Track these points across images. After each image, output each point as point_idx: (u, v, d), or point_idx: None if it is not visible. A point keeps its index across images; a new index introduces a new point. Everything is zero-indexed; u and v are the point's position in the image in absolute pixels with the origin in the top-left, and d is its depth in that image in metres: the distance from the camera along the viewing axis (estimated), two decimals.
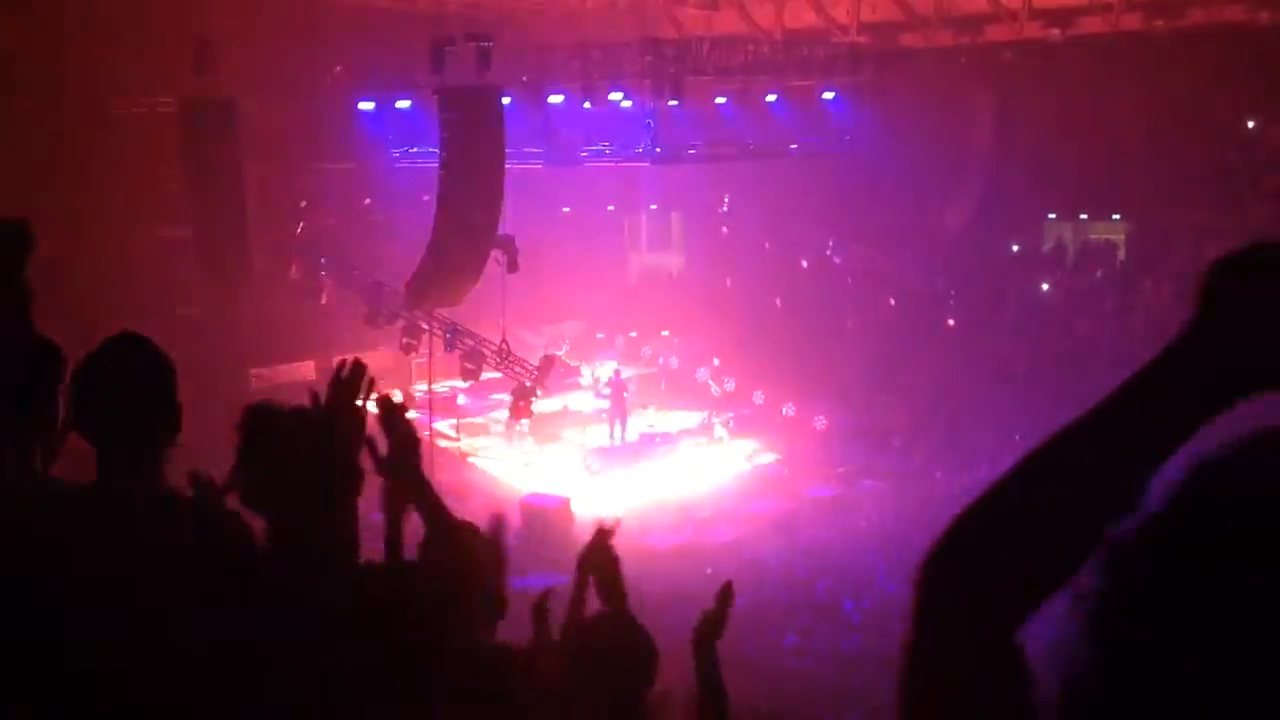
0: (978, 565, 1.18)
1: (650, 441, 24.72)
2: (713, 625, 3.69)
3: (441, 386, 24.60)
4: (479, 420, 26.04)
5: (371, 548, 3.03)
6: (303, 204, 27.06)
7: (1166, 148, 28.75)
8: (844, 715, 13.93)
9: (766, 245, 33.32)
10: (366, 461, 2.96)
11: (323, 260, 26.13)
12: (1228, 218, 26.48)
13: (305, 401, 2.94)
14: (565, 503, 21.02)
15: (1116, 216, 28.79)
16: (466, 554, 3.81)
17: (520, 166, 24.18)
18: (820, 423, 25.58)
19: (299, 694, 2.62)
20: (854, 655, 15.68)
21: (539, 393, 23.18)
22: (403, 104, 26.92)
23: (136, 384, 2.85)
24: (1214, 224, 26.60)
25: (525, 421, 23.66)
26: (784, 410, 26.48)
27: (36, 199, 20.59)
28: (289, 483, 2.78)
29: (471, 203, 21.37)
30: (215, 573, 2.73)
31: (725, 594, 3.80)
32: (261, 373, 24.92)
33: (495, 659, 3.56)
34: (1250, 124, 28.32)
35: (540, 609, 3.99)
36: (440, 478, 21.37)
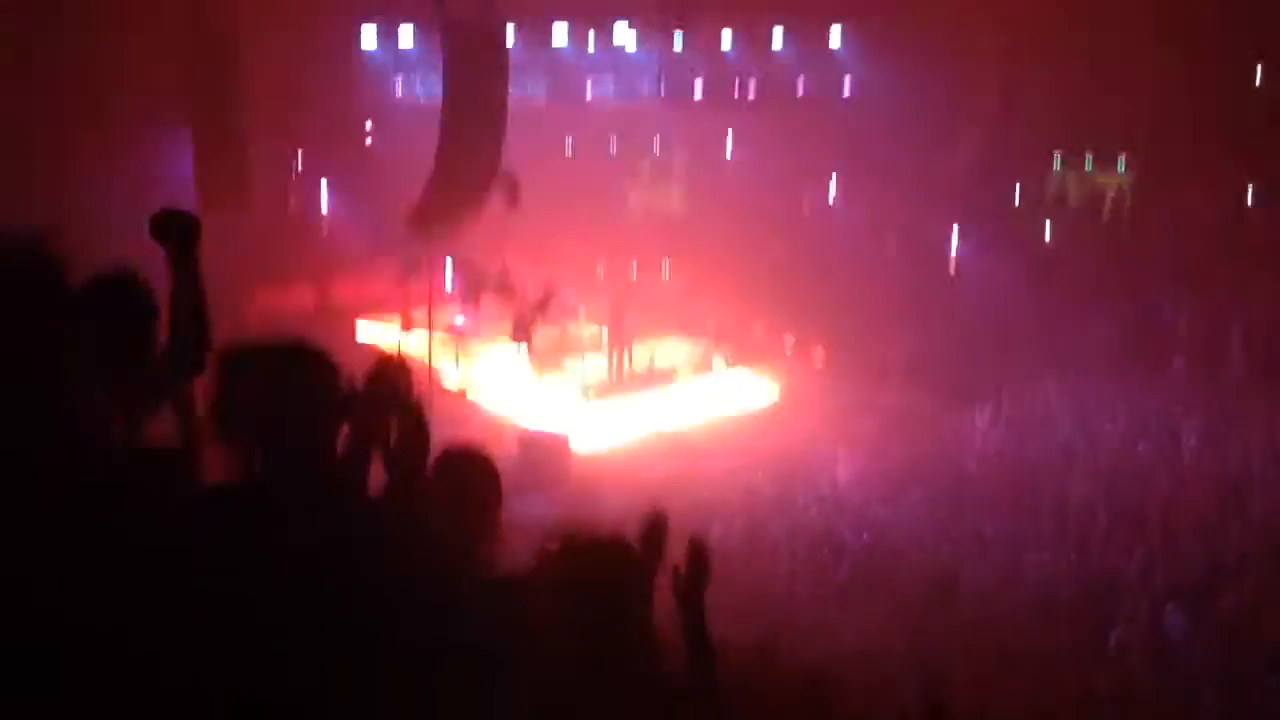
0: None
1: (648, 374, 24.77)
2: (691, 583, 3.54)
3: (440, 316, 24.59)
4: (477, 349, 26.03)
5: None
6: (304, 135, 26.94)
7: (1174, 93, 28.60)
8: (834, 646, 14.04)
9: (769, 185, 33.17)
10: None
11: (323, 193, 26.07)
12: (1234, 163, 26.42)
13: (345, 387, 2.89)
14: (563, 435, 21.11)
15: (1122, 161, 28.63)
16: (465, 480, 3.81)
17: (523, 101, 24.04)
18: (819, 356, 25.64)
19: (297, 627, 2.58)
20: (848, 587, 15.81)
21: (538, 324, 23.19)
22: (406, 34, 26.75)
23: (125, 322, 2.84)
24: (1220, 170, 26.55)
25: (524, 346, 23.71)
26: (784, 343, 26.52)
27: (35, 128, 20.66)
28: (273, 413, 2.73)
29: (474, 137, 21.25)
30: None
31: (696, 553, 3.57)
32: (261, 298, 24.93)
33: (496, 589, 3.52)
34: (1259, 70, 28.11)
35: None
36: (437, 406, 21.58)
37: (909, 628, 14.42)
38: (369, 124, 28.14)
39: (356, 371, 2.92)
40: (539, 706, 3.15)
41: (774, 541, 17.05)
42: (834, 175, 32.22)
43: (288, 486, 2.73)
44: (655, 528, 3.59)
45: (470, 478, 3.77)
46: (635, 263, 30.89)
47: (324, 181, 26.46)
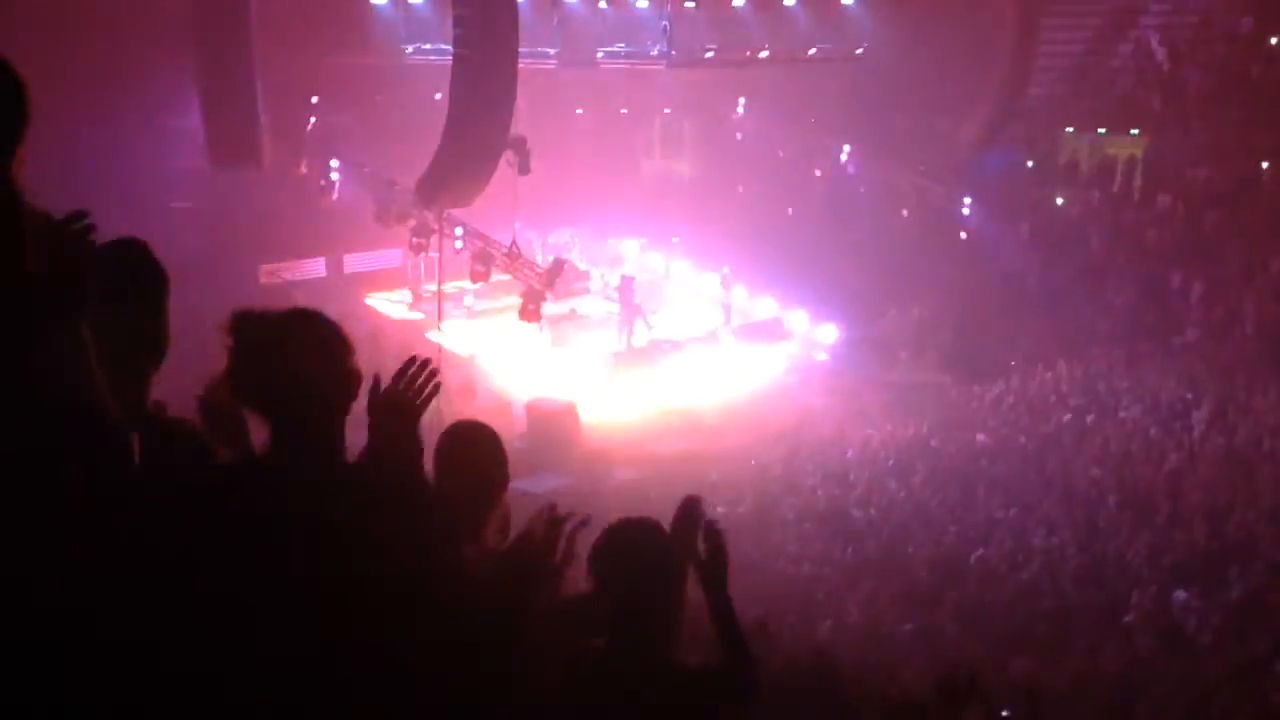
0: None
1: (658, 348, 24.72)
2: (714, 570, 3.55)
3: (450, 287, 24.57)
4: (487, 321, 26.03)
5: None
6: (314, 99, 26.81)
7: (1187, 63, 28.40)
8: (840, 624, 14.07)
9: (780, 153, 33.03)
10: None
11: (333, 157, 25.95)
12: (1246, 135, 26.21)
13: (369, 380, 2.87)
14: (572, 405, 21.12)
15: (1134, 131, 28.41)
16: (472, 456, 3.82)
17: (534, 66, 23.88)
18: (829, 332, 25.59)
19: (305, 598, 2.59)
20: (854, 564, 15.82)
21: (548, 296, 23.14)
22: None
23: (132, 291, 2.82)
24: (1232, 141, 26.34)
25: (544, 326, 23.71)
26: (792, 319, 26.47)
27: (38, 86, 20.50)
28: (288, 387, 2.72)
29: (484, 102, 21.10)
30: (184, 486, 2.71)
31: (713, 540, 3.55)
32: (271, 268, 24.91)
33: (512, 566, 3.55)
34: (1273, 40, 27.85)
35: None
36: (447, 377, 21.61)
37: (916, 607, 14.44)
38: (379, 97, 27.99)
39: (367, 344, 2.90)
40: (564, 681, 3.19)
41: (782, 519, 17.06)
42: (845, 147, 31.99)
43: (294, 461, 2.73)
44: (690, 514, 3.61)
45: (477, 454, 3.80)
46: (645, 240, 30.84)
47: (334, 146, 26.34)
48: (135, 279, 2.90)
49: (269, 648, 2.57)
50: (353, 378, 2.79)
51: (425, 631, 2.70)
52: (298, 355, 2.73)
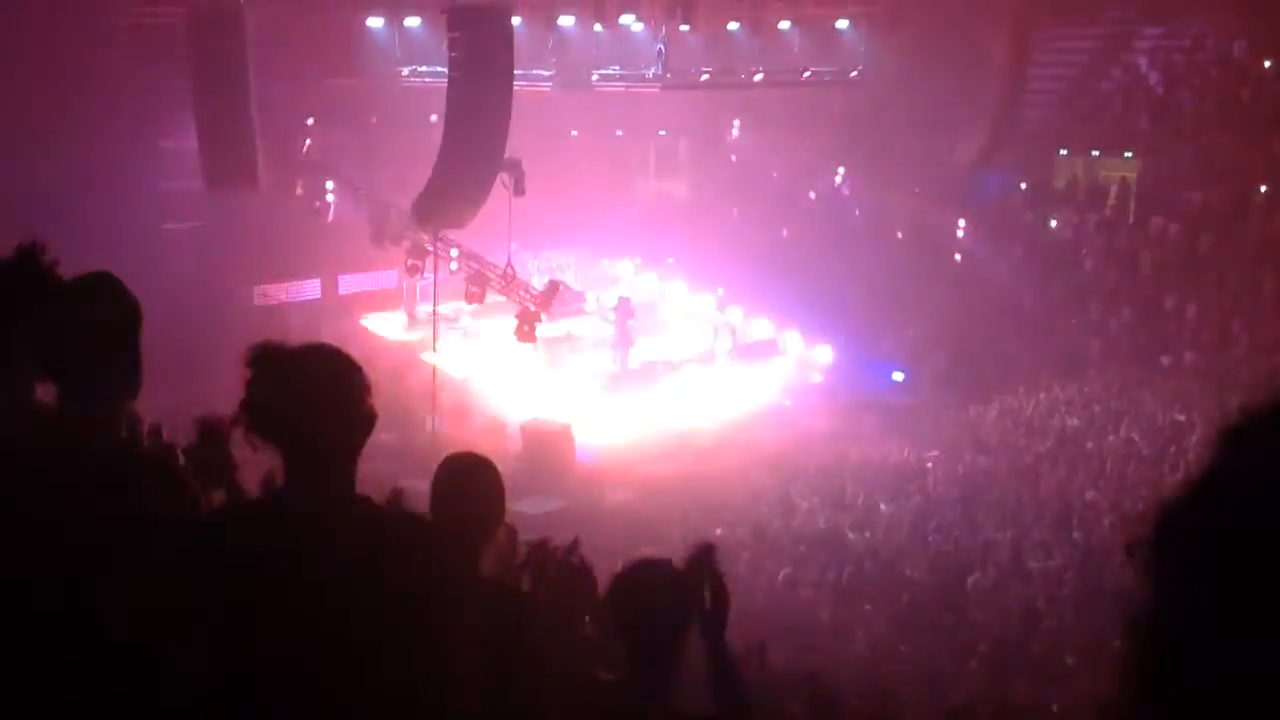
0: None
1: (653, 370, 24.70)
2: (716, 619, 3.52)
3: (445, 308, 24.55)
4: (483, 342, 25.99)
5: None
6: (309, 121, 26.82)
7: (1181, 86, 28.51)
8: (837, 648, 14.04)
9: (775, 175, 33.09)
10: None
11: (328, 178, 25.96)
12: (1239, 158, 26.29)
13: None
14: (566, 427, 21.08)
15: (1128, 154, 28.51)
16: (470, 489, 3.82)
17: (529, 88, 23.93)
18: (824, 353, 25.60)
19: (317, 633, 2.60)
20: (851, 588, 15.77)
21: (543, 317, 23.14)
22: (412, 21, 26.65)
23: (99, 329, 2.83)
24: (1225, 163, 26.43)
25: (539, 347, 23.69)
26: (788, 340, 26.48)
27: (35, 111, 20.55)
28: (305, 420, 2.72)
29: (479, 124, 21.17)
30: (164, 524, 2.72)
31: (716, 587, 3.51)
32: (266, 290, 24.88)
33: (507, 598, 3.55)
34: (1266, 64, 27.98)
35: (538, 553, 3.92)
36: (442, 399, 21.57)
37: (913, 630, 14.41)
38: (375, 119, 28.00)
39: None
40: (569, 712, 3.18)
41: (778, 541, 17.01)
42: (840, 169, 32.05)
43: (309, 493, 2.73)
44: (703, 561, 3.60)
45: (475, 488, 3.79)
46: (640, 259, 30.86)
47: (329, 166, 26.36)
48: (105, 315, 2.90)
49: (274, 679, 2.59)
50: (370, 416, 2.78)
51: (430, 664, 2.71)
52: (319, 390, 2.73)
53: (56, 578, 2.52)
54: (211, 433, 3.53)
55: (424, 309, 25.08)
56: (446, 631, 2.78)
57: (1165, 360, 24.12)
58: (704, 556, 3.57)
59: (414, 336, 25.55)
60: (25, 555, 2.55)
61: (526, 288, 23.78)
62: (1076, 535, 16.77)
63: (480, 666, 2.82)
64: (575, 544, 6.66)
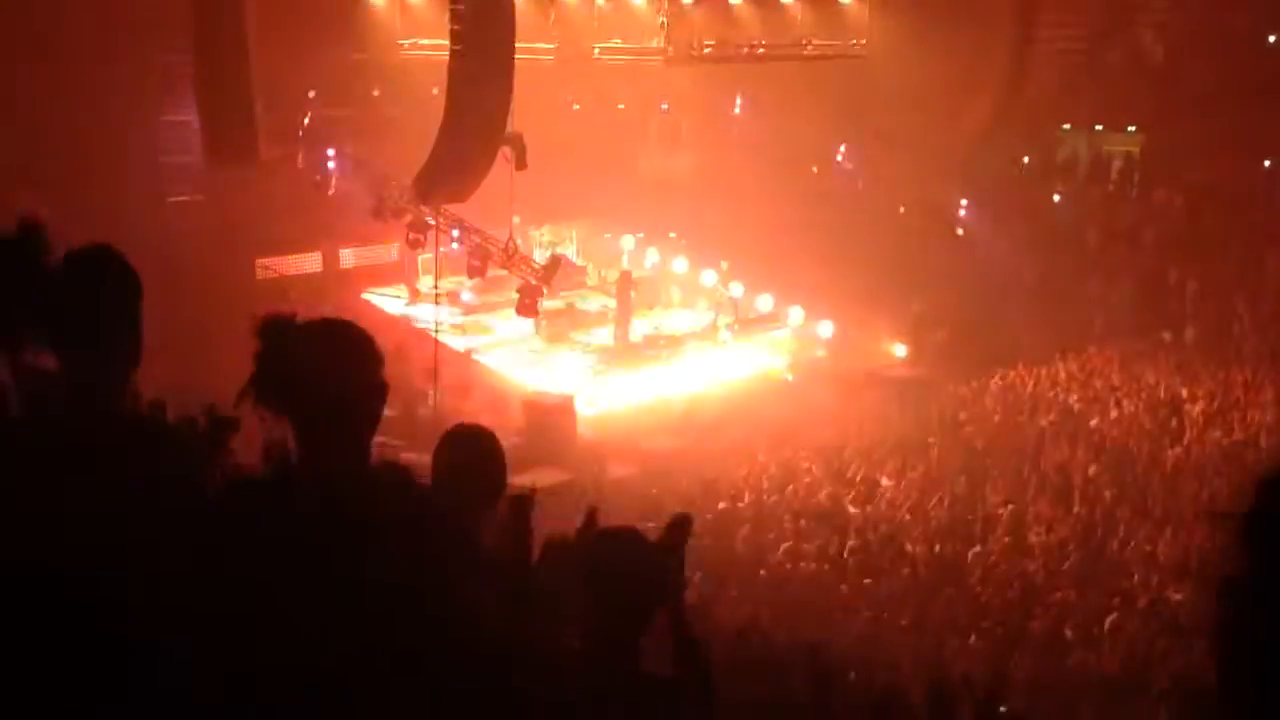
0: None
1: (655, 344, 24.69)
2: (674, 588, 3.58)
3: (447, 282, 24.52)
4: (484, 316, 25.98)
5: None
6: (311, 94, 26.72)
7: (1184, 60, 28.39)
8: (837, 624, 14.05)
9: (777, 148, 32.98)
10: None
11: (330, 151, 25.87)
12: (1243, 131, 26.22)
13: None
14: (568, 400, 21.10)
15: (1132, 128, 28.43)
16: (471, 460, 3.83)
17: (531, 62, 23.83)
18: (826, 327, 25.58)
19: (323, 601, 2.60)
20: (852, 562, 15.79)
21: (545, 291, 23.12)
22: None
23: (99, 300, 2.85)
24: (1229, 137, 26.36)
25: (542, 321, 23.69)
26: (790, 315, 26.45)
27: (32, 83, 20.48)
28: (320, 390, 2.73)
29: (481, 97, 21.09)
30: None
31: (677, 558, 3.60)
32: (267, 263, 24.83)
33: (508, 568, 3.57)
34: (1270, 38, 27.88)
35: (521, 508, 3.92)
36: (444, 373, 21.57)
37: (912, 604, 14.43)
38: (376, 92, 27.90)
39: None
40: (545, 691, 3.20)
41: (779, 515, 17.03)
42: (842, 145, 31.98)
43: (322, 468, 2.73)
44: (679, 528, 3.61)
45: (477, 460, 3.83)
46: (641, 234, 30.75)
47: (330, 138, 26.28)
48: (105, 287, 2.91)
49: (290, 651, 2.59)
50: (382, 389, 2.79)
51: (441, 631, 2.72)
52: (331, 363, 2.74)
53: (65, 545, 2.53)
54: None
55: (425, 283, 25.04)
56: (450, 601, 2.78)
57: (1167, 335, 24.11)
58: (682, 528, 3.60)
59: (415, 310, 25.53)
60: (34, 524, 2.56)
61: (528, 262, 23.74)
62: (1078, 509, 16.80)
63: (480, 636, 2.83)
64: (593, 515, 6.66)
